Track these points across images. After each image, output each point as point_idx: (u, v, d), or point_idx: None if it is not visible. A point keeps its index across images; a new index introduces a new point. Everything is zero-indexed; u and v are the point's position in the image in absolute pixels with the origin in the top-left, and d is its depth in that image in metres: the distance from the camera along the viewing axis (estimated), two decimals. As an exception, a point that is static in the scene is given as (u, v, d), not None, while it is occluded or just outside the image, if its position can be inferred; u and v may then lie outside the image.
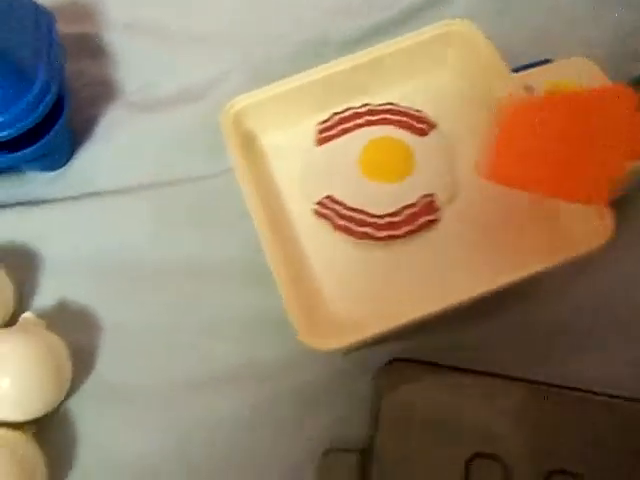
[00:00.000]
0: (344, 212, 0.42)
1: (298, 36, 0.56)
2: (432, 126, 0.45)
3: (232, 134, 0.44)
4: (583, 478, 0.33)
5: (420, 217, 0.42)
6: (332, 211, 0.43)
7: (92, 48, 0.59)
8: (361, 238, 0.41)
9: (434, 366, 0.38)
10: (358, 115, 0.46)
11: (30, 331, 0.40)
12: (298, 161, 0.46)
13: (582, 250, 0.36)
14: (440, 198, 0.42)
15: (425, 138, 0.45)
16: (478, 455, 0.34)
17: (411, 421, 0.36)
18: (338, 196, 0.43)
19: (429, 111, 0.46)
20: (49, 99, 0.45)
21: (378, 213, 0.42)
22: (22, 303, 0.45)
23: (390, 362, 0.39)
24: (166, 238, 0.48)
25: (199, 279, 0.46)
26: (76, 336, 0.43)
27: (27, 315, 0.41)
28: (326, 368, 0.42)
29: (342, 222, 0.42)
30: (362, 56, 0.46)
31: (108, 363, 0.43)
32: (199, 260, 0.47)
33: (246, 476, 0.39)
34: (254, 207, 0.41)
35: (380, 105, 0.46)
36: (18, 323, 0.41)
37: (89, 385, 0.43)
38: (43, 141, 0.47)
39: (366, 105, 0.47)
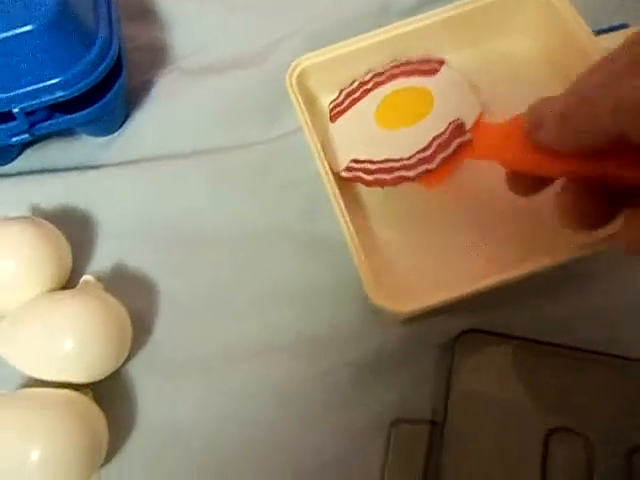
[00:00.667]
0: (372, 167, 0.41)
1: (356, 3, 0.55)
2: (441, 63, 0.44)
3: (297, 93, 0.44)
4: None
5: (452, 141, 0.39)
6: (360, 171, 0.42)
7: (144, 12, 0.58)
8: (395, 183, 0.40)
9: (508, 338, 0.37)
10: (364, 83, 0.45)
11: (91, 293, 0.39)
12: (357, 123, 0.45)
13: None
14: (468, 122, 0.40)
15: (437, 75, 0.44)
16: (557, 430, 0.33)
17: (484, 394, 0.35)
18: (362, 157, 0.42)
19: (490, 79, 0.44)
20: (109, 60, 0.45)
21: (407, 156, 0.41)
22: (79, 266, 0.45)
23: (463, 333, 0.38)
24: (221, 204, 0.47)
25: (254, 245, 0.45)
26: (133, 300, 0.42)
27: (87, 277, 0.41)
28: (388, 338, 0.41)
29: (371, 177, 0.41)
30: (424, 19, 0.44)
31: (164, 329, 0.43)
32: (254, 226, 0.46)
33: (311, 445, 0.39)
34: (322, 169, 0.40)
35: (383, 67, 0.46)
36: (79, 285, 0.41)
37: (146, 350, 0.42)
38: (99, 104, 0.46)
39: (369, 72, 0.46)
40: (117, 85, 0.47)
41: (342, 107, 0.46)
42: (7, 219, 0.42)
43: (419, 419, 0.36)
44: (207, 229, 0.46)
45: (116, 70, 0.47)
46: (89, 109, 0.46)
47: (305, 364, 0.41)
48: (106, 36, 0.45)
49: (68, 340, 0.36)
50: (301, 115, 0.42)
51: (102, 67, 0.44)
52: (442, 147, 0.39)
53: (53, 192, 0.48)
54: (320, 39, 0.51)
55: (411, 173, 0.40)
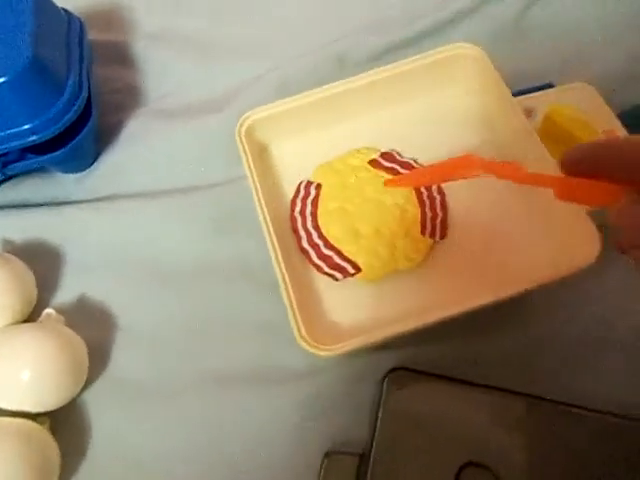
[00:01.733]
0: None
1: (322, 51, 0.58)
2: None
3: (246, 146, 0.47)
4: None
5: None
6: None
7: (121, 56, 0.62)
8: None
9: (434, 376, 0.40)
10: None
11: (50, 327, 0.42)
12: (306, 170, 0.48)
13: (573, 268, 0.38)
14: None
15: None
16: (471, 464, 0.36)
17: (407, 427, 0.38)
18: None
19: (434, 131, 0.48)
20: (78, 106, 0.48)
21: None
22: (44, 299, 0.47)
23: (392, 370, 0.40)
24: (184, 241, 0.50)
25: (215, 281, 0.48)
26: (93, 332, 0.45)
27: (48, 311, 0.43)
28: (333, 375, 0.43)
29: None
30: (367, 77, 0.48)
31: (123, 360, 0.45)
32: (215, 263, 0.49)
33: (252, 475, 0.41)
34: (263, 215, 0.43)
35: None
36: (40, 319, 0.43)
37: (104, 380, 0.45)
38: (70, 145, 0.49)
39: None
40: (86, 128, 0.50)
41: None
42: (-27, 254, 0.44)
43: (350, 451, 0.39)
44: (169, 265, 0.49)
45: (86, 113, 0.50)
46: (59, 151, 0.49)
47: (253, 396, 0.43)
48: (75, 84, 0.48)
49: (25, 372, 0.39)
50: (246, 164, 0.46)
51: (71, 113, 0.47)
52: None
53: (24, 226, 0.51)
54: (283, 86, 0.55)
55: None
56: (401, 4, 0.60)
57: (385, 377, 0.40)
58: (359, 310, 0.42)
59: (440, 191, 0.46)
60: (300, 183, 0.48)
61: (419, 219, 0.45)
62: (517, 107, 0.44)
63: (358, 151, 0.48)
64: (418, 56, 0.48)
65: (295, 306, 0.40)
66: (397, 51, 0.57)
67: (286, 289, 0.40)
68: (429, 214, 0.45)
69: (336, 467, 0.38)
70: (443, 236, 0.44)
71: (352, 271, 0.43)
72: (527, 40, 0.57)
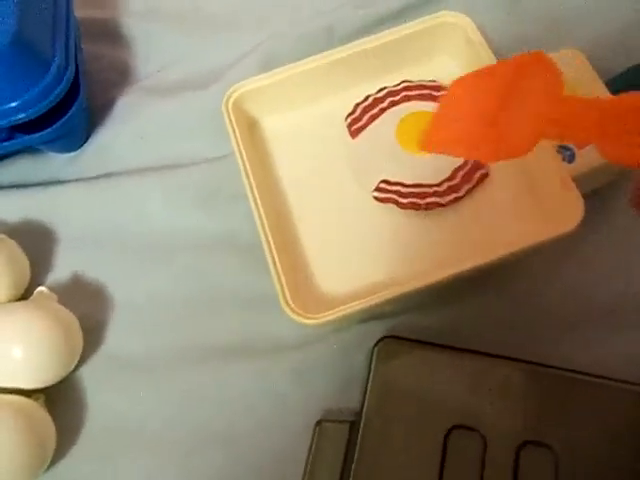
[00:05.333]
0: (404, 190, 0.44)
1: (310, 24, 0.58)
2: None
3: (233, 119, 0.47)
4: (554, 450, 0.35)
5: (474, 173, 0.44)
6: (393, 193, 0.44)
7: (110, 33, 0.61)
8: (429, 208, 0.44)
9: (423, 344, 0.40)
10: (380, 100, 0.48)
11: (43, 304, 0.42)
12: (296, 144, 0.48)
13: (558, 232, 0.39)
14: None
15: None
16: (457, 427, 0.36)
17: (396, 394, 0.38)
18: (392, 178, 0.45)
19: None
20: (64, 84, 0.47)
21: (435, 182, 0.44)
22: (37, 278, 0.48)
23: (381, 339, 0.40)
24: (174, 217, 0.50)
25: (205, 255, 0.48)
26: (87, 310, 0.46)
27: (41, 289, 0.44)
28: (324, 344, 0.44)
29: (406, 200, 0.44)
30: (356, 46, 0.48)
31: (116, 336, 0.46)
32: (205, 237, 0.49)
33: (243, 446, 0.41)
34: (250, 187, 0.44)
35: (396, 86, 0.48)
36: (32, 297, 0.44)
37: (98, 357, 0.45)
38: (59, 123, 0.49)
39: (383, 89, 0.48)
40: (75, 106, 0.50)
41: (361, 123, 0.48)
42: (-35, 234, 0.45)
43: (341, 419, 0.39)
44: (160, 241, 0.49)
45: (75, 91, 0.50)
46: (48, 129, 0.49)
47: (244, 367, 0.44)
48: (62, 61, 0.48)
49: (18, 349, 0.39)
50: (234, 140, 0.46)
51: (58, 90, 0.47)
52: (466, 179, 0.44)
53: (17, 206, 0.51)
54: (272, 60, 0.55)
55: (442, 200, 0.44)
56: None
57: (375, 346, 0.40)
58: (349, 278, 0.42)
59: None
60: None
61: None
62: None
63: None
64: (404, 25, 0.48)
65: (280, 271, 0.40)
66: (386, 23, 0.56)
67: (270, 253, 0.41)
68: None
69: (328, 435, 0.39)
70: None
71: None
72: (519, 7, 0.56)
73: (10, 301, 0.44)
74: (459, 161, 0.44)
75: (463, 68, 0.48)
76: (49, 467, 0.40)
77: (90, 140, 0.55)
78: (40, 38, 0.47)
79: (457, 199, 0.44)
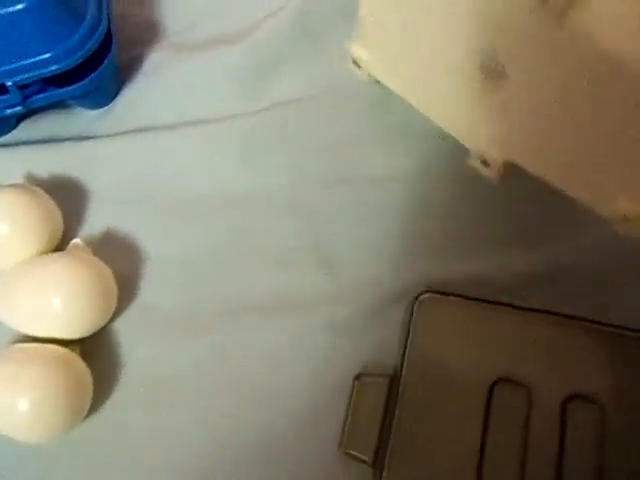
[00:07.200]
0: None
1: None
2: None
3: None
4: (600, 404, 0.35)
5: None
6: None
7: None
8: None
9: (464, 298, 0.40)
10: None
11: (78, 255, 0.42)
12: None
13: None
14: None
15: None
16: (501, 380, 0.36)
17: (437, 349, 0.38)
18: None
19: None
20: (98, 36, 0.47)
21: None
22: (69, 232, 0.47)
23: (421, 293, 0.40)
24: (210, 172, 0.50)
25: (242, 211, 0.48)
26: (122, 263, 0.45)
27: (75, 241, 0.44)
28: (362, 298, 0.43)
29: None
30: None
31: (151, 290, 0.46)
32: (242, 193, 0.49)
33: (280, 400, 0.41)
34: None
35: None
36: (67, 248, 0.43)
37: (132, 310, 0.45)
38: (90, 78, 0.48)
39: None
40: (107, 60, 0.49)
41: None
42: (1, 186, 0.44)
43: (380, 373, 0.39)
44: (195, 196, 0.49)
45: (106, 45, 0.49)
46: (80, 83, 0.48)
47: (282, 321, 0.43)
48: (95, 13, 0.47)
49: (56, 299, 0.39)
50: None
51: (91, 43, 0.47)
52: None
53: (48, 162, 0.51)
54: (302, 19, 0.54)
55: None
56: None
57: (415, 300, 0.40)
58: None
59: None
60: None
61: None
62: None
63: None
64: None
65: None
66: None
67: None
68: None
69: (367, 389, 0.38)
70: None
71: None
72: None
73: (45, 253, 0.43)
74: None
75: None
76: (87, 416, 0.40)
77: (119, 97, 0.54)
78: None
79: None
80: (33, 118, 0.53)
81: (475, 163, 0.43)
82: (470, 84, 0.39)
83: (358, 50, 0.47)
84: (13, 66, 0.45)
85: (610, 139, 0.35)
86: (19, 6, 0.42)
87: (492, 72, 0.38)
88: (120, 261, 0.46)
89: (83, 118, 0.53)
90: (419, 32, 0.41)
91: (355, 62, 0.48)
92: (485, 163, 0.42)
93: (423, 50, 0.42)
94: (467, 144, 0.44)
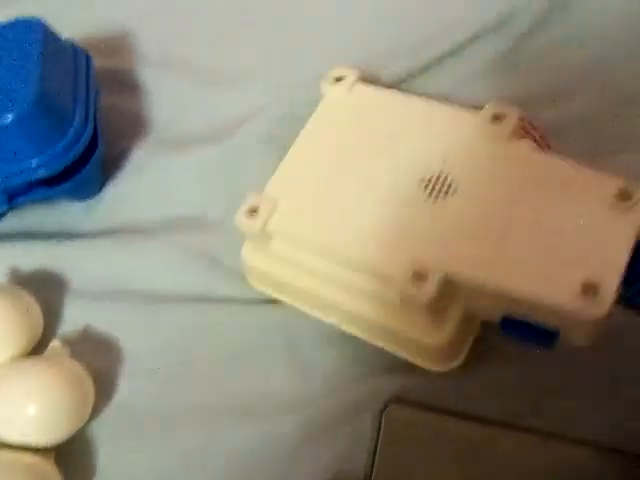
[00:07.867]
0: None
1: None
2: None
3: None
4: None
5: None
6: None
7: (124, 83, 0.62)
8: None
9: (430, 409, 0.41)
10: None
11: (56, 361, 0.43)
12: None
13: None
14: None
15: None
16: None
17: (405, 461, 0.39)
18: None
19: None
20: (83, 141, 0.49)
21: None
22: (50, 327, 0.48)
23: (389, 403, 0.41)
24: (186, 272, 0.51)
25: (214, 314, 0.49)
26: (99, 362, 0.46)
27: (54, 344, 0.44)
28: (331, 403, 0.44)
29: None
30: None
31: (127, 389, 0.46)
32: (214, 294, 0.50)
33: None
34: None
35: None
36: (46, 352, 0.44)
37: (108, 411, 0.45)
38: (75, 178, 0.50)
39: None
40: (93, 160, 0.51)
41: None
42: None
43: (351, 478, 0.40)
44: (171, 295, 0.50)
45: (92, 145, 0.51)
46: (66, 183, 0.50)
47: (249, 426, 0.44)
48: (82, 118, 0.49)
49: (31, 407, 0.40)
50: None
51: (78, 146, 0.48)
52: None
53: (30, 256, 0.52)
54: (289, 116, 0.55)
55: None
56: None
57: (383, 409, 0.41)
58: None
59: None
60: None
61: None
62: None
63: None
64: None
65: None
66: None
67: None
68: None
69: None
70: None
71: None
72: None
73: (23, 355, 0.44)
74: None
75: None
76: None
77: (105, 190, 0.56)
78: (62, 98, 0.49)
79: None
80: (16, 211, 0.54)
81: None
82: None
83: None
84: (0, 172, 0.46)
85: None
86: (8, 117, 0.44)
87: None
88: (97, 358, 0.47)
89: (66, 211, 0.55)
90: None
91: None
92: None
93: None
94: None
